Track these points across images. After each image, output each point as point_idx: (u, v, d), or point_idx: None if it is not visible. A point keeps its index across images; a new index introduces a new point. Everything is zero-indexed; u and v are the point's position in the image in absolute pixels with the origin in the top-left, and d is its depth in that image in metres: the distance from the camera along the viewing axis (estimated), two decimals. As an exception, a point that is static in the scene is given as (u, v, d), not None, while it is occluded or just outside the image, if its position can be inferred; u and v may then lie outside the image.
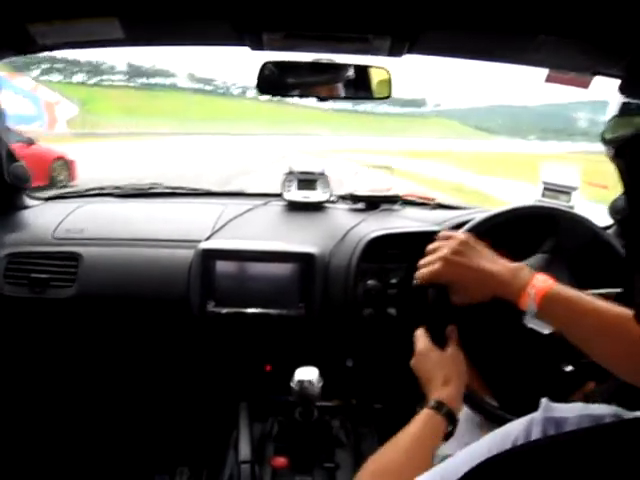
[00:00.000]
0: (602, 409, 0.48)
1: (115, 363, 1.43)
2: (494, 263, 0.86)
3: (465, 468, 0.45)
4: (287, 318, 1.23)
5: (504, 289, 0.83)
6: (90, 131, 24.49)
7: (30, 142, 5.16)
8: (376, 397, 1.41)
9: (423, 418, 0.79)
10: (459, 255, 0.86)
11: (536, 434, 0.48)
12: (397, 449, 0.75)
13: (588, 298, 0.77)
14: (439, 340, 0.97)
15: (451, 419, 0.80)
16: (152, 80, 74.20)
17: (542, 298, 0.78)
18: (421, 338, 0.94)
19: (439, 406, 0.79)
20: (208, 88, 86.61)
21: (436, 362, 0.88)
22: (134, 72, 72.62)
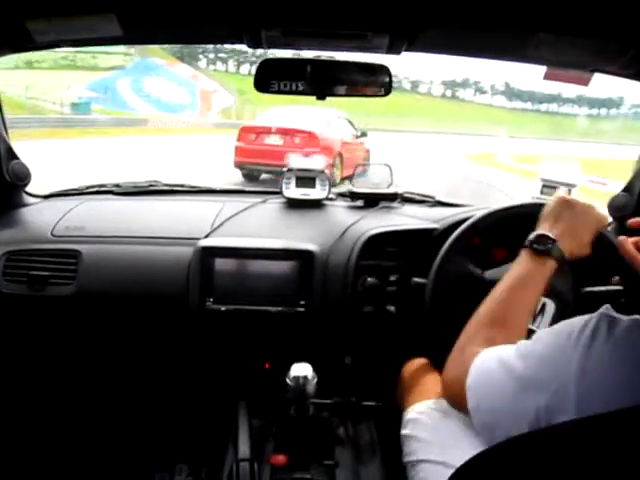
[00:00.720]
0: None
1: (115, 360, 1.43)
2: None
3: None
4: (286, 315, 1.23)
5: None
6: (237, 122, 23.45)
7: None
8: (375, 394, 1.41)
9: (535, 268, 0.79)
10: None
11: (590, 327, 0.52)
12: (496, 297, 0.76)
13: None
14: (438, 342, 0.98)
15: (555, 255, 0.78)
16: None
17: None
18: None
19: (560, 256, 0.79)
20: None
21: (582, 217, 0.84)
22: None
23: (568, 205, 0.85)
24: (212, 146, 12.62)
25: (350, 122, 8.52)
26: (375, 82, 1.15)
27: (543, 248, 0.79)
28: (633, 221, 0.85)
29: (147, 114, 21.47)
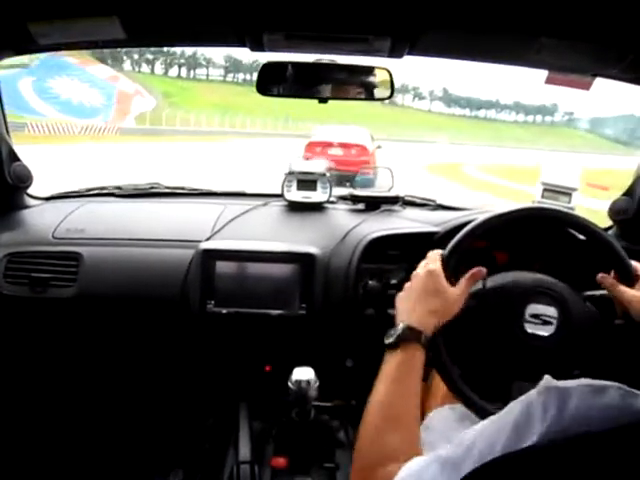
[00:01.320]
0: (604, 382, 0.47)
1: (115, 363, 1.43)
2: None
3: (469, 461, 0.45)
4: (287, 318, 1.23)
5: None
6: (153, 127, 22.69)
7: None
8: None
9: (409, 360, 0.76)
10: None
11: (537, 407, 0.46)
12: (381, 400, 0.73)
13: None
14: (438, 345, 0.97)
15: (421, 340, 0.77)
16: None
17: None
18: (434, 259, 0.88)
19: (426, 342, 0.77)
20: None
21: (439, 293, 0.83)
22: (234, 67, 66.86)
23: (426, 282, 0.84)
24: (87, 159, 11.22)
25: (372, 136, 10.74)
26: (377, 85, 1.16)
27: (394, 341, 0.78)
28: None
29: (45, 118, 18.71)
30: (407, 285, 0.88)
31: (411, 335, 0.77)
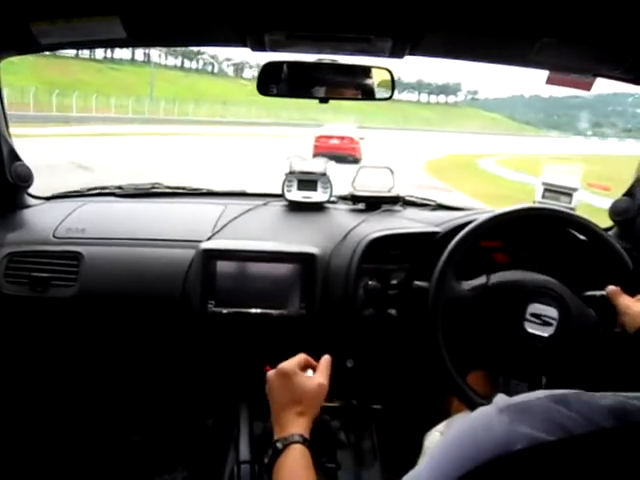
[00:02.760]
0: (562, 392, 0.45)
1: (116, 363, 1.43)
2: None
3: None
4: (287, 318, 1.23)
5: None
6: None
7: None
8: (376, 398, 1.41)
9: (301, 456, 0.73)
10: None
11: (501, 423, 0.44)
12: None
13: None
14: (434, 341, 0.98)
15: (307, 442, 0.75)
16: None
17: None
18: (295, 363, 0.86)
19: (304, 440, 0.75)
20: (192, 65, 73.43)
21: (298, 393, 0.81)
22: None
23: (283, 385, 0.82)
24: None
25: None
26: (378, 85, 1.16)
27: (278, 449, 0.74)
28: None
29: None
30: (267, 390, 0.85)
31: (284, 444, 0.74)
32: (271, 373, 0.85)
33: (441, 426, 1.04)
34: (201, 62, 76.75)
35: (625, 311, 0.88)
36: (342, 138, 14.22)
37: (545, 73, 1.16)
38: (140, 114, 27.85)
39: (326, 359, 0.89)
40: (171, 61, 71.92)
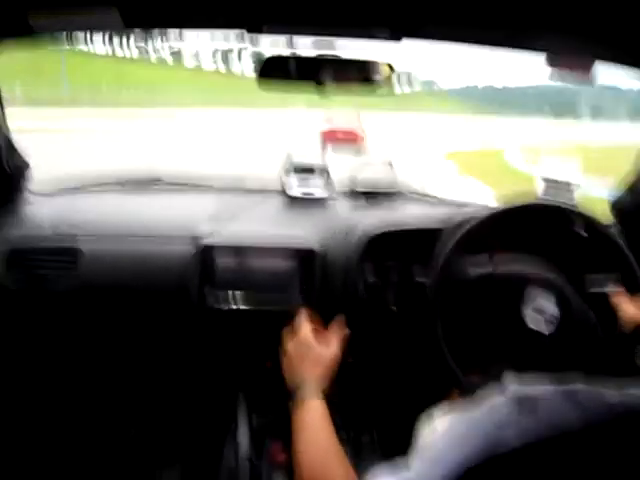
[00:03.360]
0: (572, 385, 0.45)
1: (115, 358, 1.43)
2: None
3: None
4: (287, 314, 1.23)
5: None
6: None
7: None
8: (376, 393, 1.41)
9: (319, 410, 0.84)
10: None
11: (509, 418, 0.43)
12: (317, 449, 0.79)
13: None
14: (434, 335, 0.97)
15: (325, 397, 0.87)
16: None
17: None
18: (307, 329, 0.97)
19: (315, 391, 0.86)
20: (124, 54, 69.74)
21: (315, 358, 0.92)
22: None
23: (302, 353, 0.93)
24: None
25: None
26: (378, 79, 1.15)
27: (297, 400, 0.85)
28: None
29: None
30: (284, 356, 0.96)
31: (308, 394, 0.86)
32: (290, 345, 0.95)
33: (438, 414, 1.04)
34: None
35: (624, 311, 0.89)
36: (348, 132, 15.21)
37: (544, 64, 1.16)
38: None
39: (337, 324, 1.00)
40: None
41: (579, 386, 0.44)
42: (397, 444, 1.03)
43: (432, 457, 0.47)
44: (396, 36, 1.09)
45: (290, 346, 0.94)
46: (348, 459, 1.09)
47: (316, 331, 0.97)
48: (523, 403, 0.44)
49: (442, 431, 0.49)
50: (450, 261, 1.01)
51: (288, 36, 1.10)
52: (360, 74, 1.16)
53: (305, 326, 0.97)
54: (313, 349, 0.92)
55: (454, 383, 0.99)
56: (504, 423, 0.43)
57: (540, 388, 0.45)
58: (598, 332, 0.96)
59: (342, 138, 14.82)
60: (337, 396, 1.26)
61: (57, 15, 1.01)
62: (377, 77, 1.15)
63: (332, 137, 14.90)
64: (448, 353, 0.98)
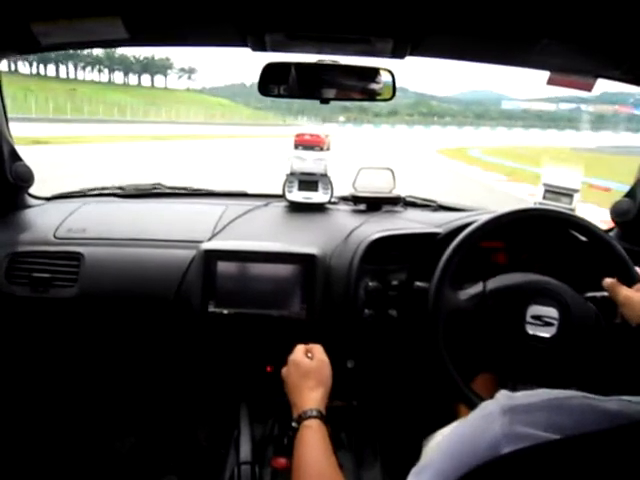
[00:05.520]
0: (566, 393, 0.45)
1: (116, 363, 1.43)
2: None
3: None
4: (288, 319, 1.23)
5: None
6: None
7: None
8: (377, 398, 1.40)
9: (317, 430, 0.83)
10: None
11: (502, 426, 0.43)
12: (313, 470, 0.78)
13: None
14: (435, 343, 0.97)
15: (323, 417, 0.86)
16: None
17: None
18: (298, 350, 1.00)
19: (319, 414, 0.85)
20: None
21: (305, 371, 0.94)
22: None
23: (293, 371, 0.95)
24: None
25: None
26: (378, 85, 1.16)
27: (296, 425, 0.85)
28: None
29: None
30: (284, 381, 0.98)
31: (304, 417, 0.85)
32: (284, 368, 0.98)
33: (443, 431, 1.04)
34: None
35: (625, 302, 0.87)
36: (312, 134, 22.30)
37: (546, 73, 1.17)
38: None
39: (313, 346, 1.02)
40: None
41: (573, 393, 0.44)
42: (398, 450, 1.04)
43: (430, 467, 0.47)
44: (400, 53, 1.10)
45: (284, 371, 0.98)
46: (351, 472, 1.09)
47: (306, 350, 1.00)
48: (517, 410, 0.43)
49: (436, 445, 0.49)
50: (449, 267, 1.02)
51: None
52: (360, 80, 1.17)
53: (297, 349, 1.00)
54: (302, 365, 0.95)
55: (456, 393, 0.99)
56: (497, 433, 0.42)
57: (534, 395, 0.45)
58: (600, 327, 0.96)
59: (309, 140, 21.11)
60: (339, 406, 1.26)
61: (59, 23, 1.03)
62: (377, 82, 1.16)
63: (302, 140, 21.05)
64: (448, 360, 0.98)
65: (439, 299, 1.00)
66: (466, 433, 0.46)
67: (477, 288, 1.02)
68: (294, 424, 0.85)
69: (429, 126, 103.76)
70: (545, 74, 1.16)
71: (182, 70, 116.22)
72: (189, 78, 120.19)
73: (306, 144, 19.88)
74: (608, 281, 0.91)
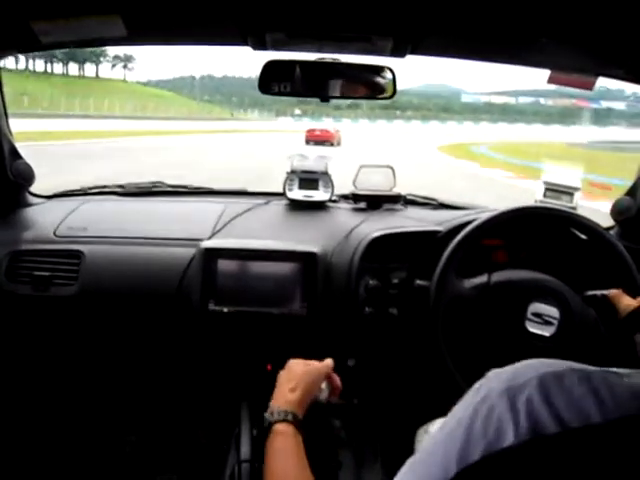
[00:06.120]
0: (557, 363, 0.45)
1: (117, 362, 1.43)
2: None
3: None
4: (289, 317, 1.23)
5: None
6: None
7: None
8: (378, 396, 1.41)
9: (291, 438, 0.79)
10: None
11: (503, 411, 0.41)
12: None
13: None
14: (435, 339, 0.97)
15: (298, 422, 0.82)
16: None
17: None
18: (297, 360, 0.98)
19: (293, 419, 0.81)
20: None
21: (293, 374, 0.92)
22: None
23: (283, 373, 0.94)
24: None
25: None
26: (378, 83, 1.15)
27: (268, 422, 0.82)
28: None
29: None
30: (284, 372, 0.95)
31: (280, 417, 0.82)
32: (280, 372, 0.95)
33: (435, 422, 1.04)
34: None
35: (626, 311, 0.88)
36: (322, 129, 24.13)
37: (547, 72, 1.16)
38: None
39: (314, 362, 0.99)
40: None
41: (565, 365, 0.44)
42: (398, 448, 1.04)
43: (426, 460, 0.45)
44: (400, 52, 1.10)
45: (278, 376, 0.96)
46: (351, 471, 1.10)
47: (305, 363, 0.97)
48: (512, 392, 0.42)
49: (432, 435, 0.48)
50: (450, 265, 1.02)
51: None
52: (361, 77, 1.17)
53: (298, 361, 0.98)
54: (291, 369, 0.93)
55: (454, 387, 0.99)
56: (499, 417, 0.41)
57: (525, 372, 0.44)
58: (599, 332, 0.96)
59: (319, 135, 22.91)
60: (340, 404, 1.26)
61: (60, 22, 1.02)
62: (382, 80, 1.16)
63: (312, 135, 22.84)
64: (449, 357, 0.98)
65: (440, 293, 1.00)
66: (464, 419, 0.44)
67: (482, 279, 1.03)
68: (266, 420, 0.83)
69: (392, 120, 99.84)
70: (547, 72, 1.16)
71: (117, 58, 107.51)
72: (125, 67, 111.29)
73: (317, 139, 22.15)
74: (613, 292, 0.92)
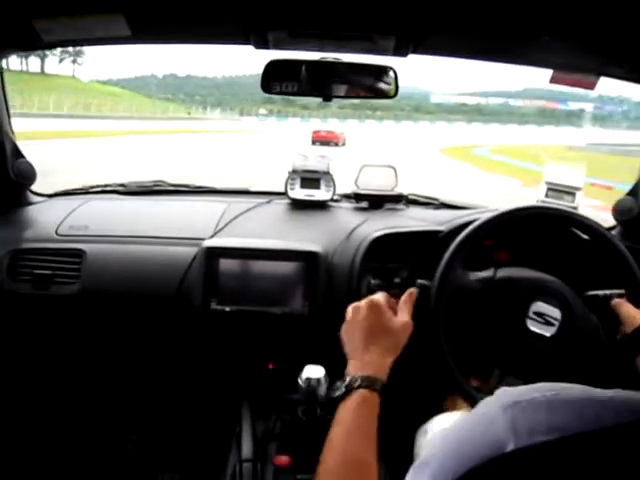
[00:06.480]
0: (565, 386, 0.44)
1: (118, 360, 1.43)
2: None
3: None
4: (290, 316, 1.23)
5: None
6: None
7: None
8: (380, 396, 1.40)
9: (365, 405, 0.72)
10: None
11: (504, 426, 0.42)
12: (339, 448, 0.68)
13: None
14: (436, 338, 0.97)
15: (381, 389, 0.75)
16: None
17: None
18: (381, 295, 0.87)
19: (374, 383, 0.74)
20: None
21: (384, 325, 0.81)
22: None
23: (369, 314, 0.81)
24: None
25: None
26: (381, 83, 1.15)
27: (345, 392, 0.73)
28: None
29: None
30: (349, 319, 0.84)
31: (367, 384, 0.74)
32: (358, 304, 0.83)
33: (434, 421, 1.04)
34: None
35: (626, 316, 0.88)
36: (327, 131, 25.55)
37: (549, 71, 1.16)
38: None
39: (408, 294, 0.88)
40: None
41: (574, 387, 0.43)
42: (399, 448, 1.04)
43: (431, 466, 0.46)
44: (402, 51, 1.10)
45: (355, 309, 0.83)
46: None
47: (389, 301, 0.86)
48: (518, 407, 0.43)
49: (437, 442, 0.48)
50: (451, 264, 1.02)
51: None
52: (364, 77, 1.17)
53: (380, 294, 0.86)
54: (384, 316, 0.80)
55: (455, 385, 0.99)
56: (499, 431, 0.42)
57: (532, 391, 0.44)
58: (600, 335, 0.96)
59: (325, 136, 24.35)
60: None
61: (62, 20, 1.02)
62: (385, 80, 1.16)
63: (318, 136, 24.27)
64: (450, 356, 0.98)
65: (443, 288, 1.00)
66: (467, 431, 0.45)
67: (488, 273, 1.03)
68: (342, 387, 0.73)
69: (363, 120, 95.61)
70: (549, 72, 1.16)
71: (65, 52, 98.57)
72: (74, 62, 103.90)
73: (322, 140, 23.81)
74: (616, 300, 0.92)
